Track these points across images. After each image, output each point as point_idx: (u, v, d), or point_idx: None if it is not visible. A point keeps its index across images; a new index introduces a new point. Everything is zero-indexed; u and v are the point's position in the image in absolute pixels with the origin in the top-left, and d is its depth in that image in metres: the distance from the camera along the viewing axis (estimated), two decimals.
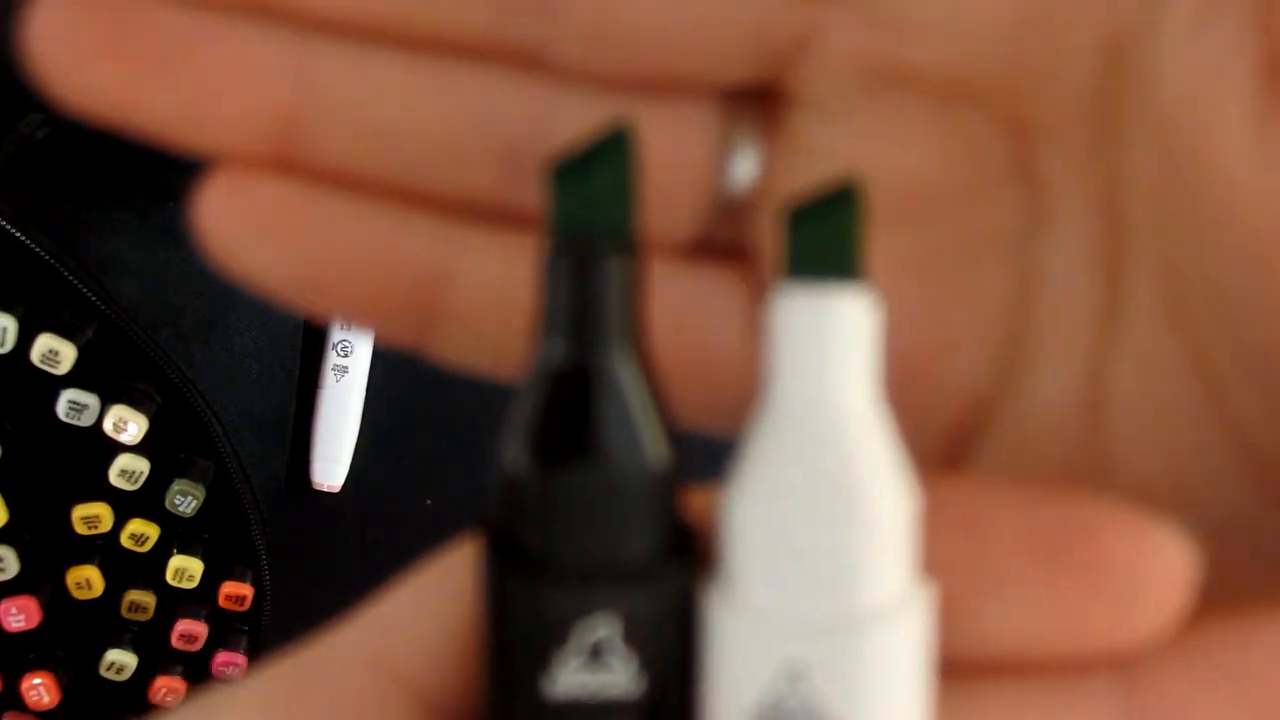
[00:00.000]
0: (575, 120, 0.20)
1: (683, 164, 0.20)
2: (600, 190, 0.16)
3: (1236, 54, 0.18)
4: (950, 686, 0.17)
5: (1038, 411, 0.20)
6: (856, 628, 0.15)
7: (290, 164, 0.20)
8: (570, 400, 0.15)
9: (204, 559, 0.49)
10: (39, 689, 0.48)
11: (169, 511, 0.48)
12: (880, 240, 0.17)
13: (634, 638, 0.16)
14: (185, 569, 0.48)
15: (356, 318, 0.20)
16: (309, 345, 0.50)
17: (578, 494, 0.15)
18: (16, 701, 0.48)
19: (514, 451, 0.16)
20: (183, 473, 0.48)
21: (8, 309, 0.44)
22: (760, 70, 0.20)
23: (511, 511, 0.16)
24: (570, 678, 0.15)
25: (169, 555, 0.49)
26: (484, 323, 0.20)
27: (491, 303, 0.20)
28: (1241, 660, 0.17)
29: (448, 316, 0.20)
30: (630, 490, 0.15)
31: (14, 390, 0.46)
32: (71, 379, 0.45)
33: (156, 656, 0.50)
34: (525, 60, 0.20)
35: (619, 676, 0.16)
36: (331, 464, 0.51)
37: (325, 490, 0.51)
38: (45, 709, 0.49)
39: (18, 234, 0.44)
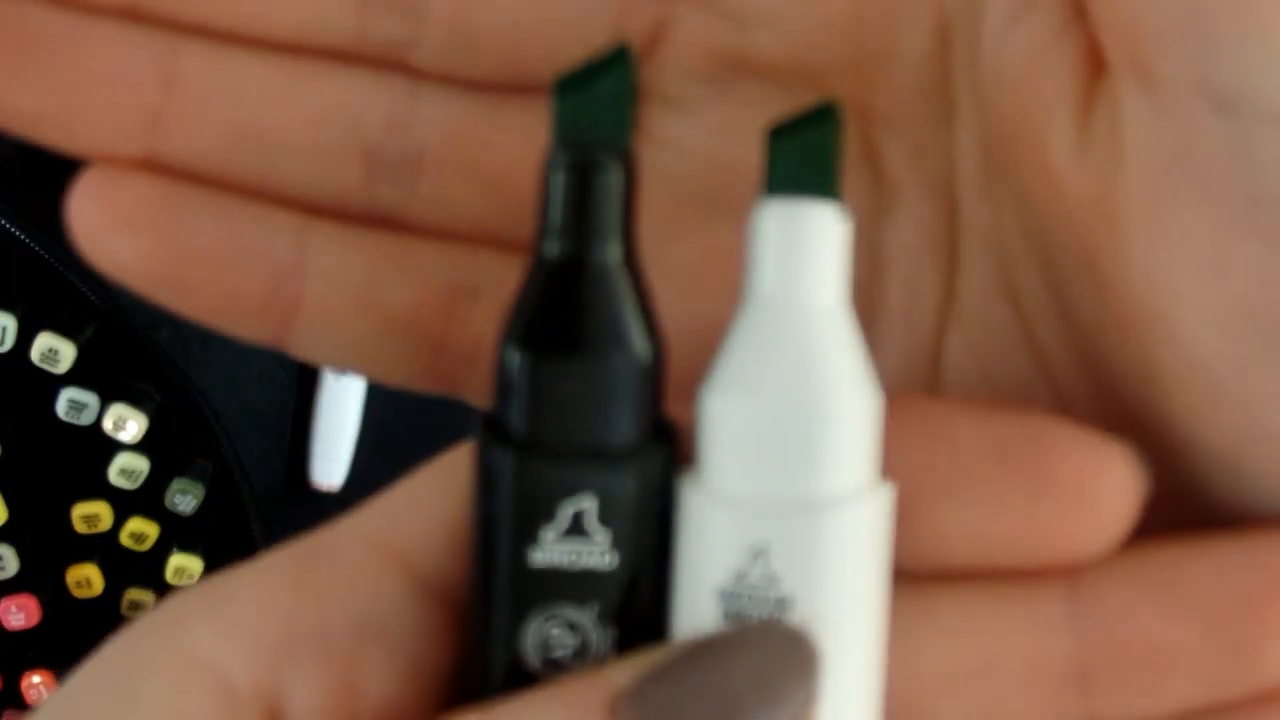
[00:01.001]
0: (435, 120, 0.21)
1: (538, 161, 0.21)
2: (599, 100, 0.17)
3: (1057, 41, 0.18)
4: (906, 592, 0.18)
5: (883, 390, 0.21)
6: (814, 511, 0.16)
7: (156, 162, 0.20)
8: (563, 293, 0.17)
9: (204, 558, 0.49)
10: (39, 688, 0.48)
11: (169, 510, 0.48)
12: (733, 230, 0.18)
13: (612, 515, 0.17)
14: (185, 568, 0.48)
15: (216, 315, 0.21)
16: None
17: (566, 380, 0.17)
18: (16, 700, 0.48)
19: (509, 341, 0.17)
20: (182, 471, 0.48)
21: (7, 308, 0.45)
22: None
23: (505, 398, 0.17)
24: (552, 548, 0.17)
25: (169, 554, 0.48)
26: (340, 319, 0.21)
27: (348, 299, 0.21)
28: (1182, 572, 0.18)
29: (304, 313, 0.21)
30: (615, 379, 0.17)
31: (14, 389, 0.46)
32: (71, 378, 0.46)
33: None
34: (386, 63, 0.21)
35: (597, 549, 0.17)
36: (331, 464, 0.51)
37: (325, 490, 0.51)
38: None
39: (18, 234, 0.44)
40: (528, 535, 0.17)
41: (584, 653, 0.17)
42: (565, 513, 0.17)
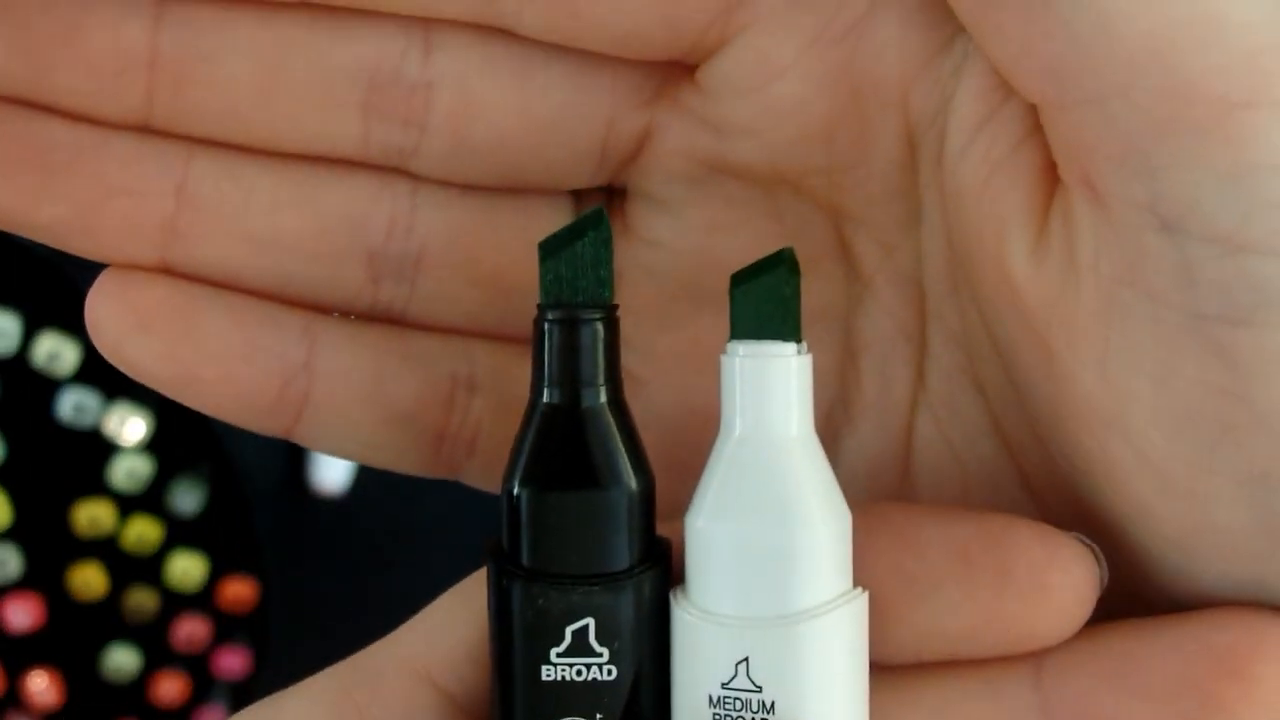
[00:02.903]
0: (434, 222, 0.22)
1: (532, 258, 0.21)
2: (580, 261, 0.19)
3: (1014, 156, 0.19)
4: (885, 683, 0.19)
5: (857, 469, 0.22)
6: (790, 624, 0.18)
7: (171, 267, 0.21)
8: (559, 436, 0.19)
9: (205, 559, 0.49)
10: (41, 689, 0.48)
11: (171, 512, 0.48)
12: (718, 321, 0.19)
13: (611, 632, 0.18)
14: (187, 569, 0.49)
15: (229, 411, 0.22)
16: None
17: (565, 513, 0.19)
18: (18, 701, 0.49)
19: (513, 480, 0.19)
20: (184, 473, 0.48)
21: (10, 309, 0.45)
22: (604, 172, 0.22)
23: (512, 531, 0.19)
24: (559, 665, 0.18)
25: (170, 555, 0.49)
26: (347, 412, 0.22)
27: (354, 393, 0.22)
28: (1136, 655, 0.19)
29: (313, 407, 0.22)
30: (609, 511, 0.19)
31: (17, 391, 0.46)
32: (74, 380, 0.46)
33: (158, 657, 0.50)
34: (388, 169, 0.22)
35: (599, 663, 0.18)
36: (331, 464, 0.51)
37: (325, 490, 0.51)
38: (47, 709, 0.49)
39: (21, 236, 0.44)
40: (538, 655, 0.18)
41: None
42: (569, 633, 0.18)
